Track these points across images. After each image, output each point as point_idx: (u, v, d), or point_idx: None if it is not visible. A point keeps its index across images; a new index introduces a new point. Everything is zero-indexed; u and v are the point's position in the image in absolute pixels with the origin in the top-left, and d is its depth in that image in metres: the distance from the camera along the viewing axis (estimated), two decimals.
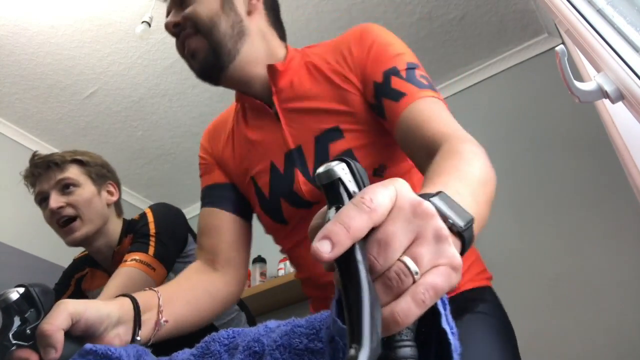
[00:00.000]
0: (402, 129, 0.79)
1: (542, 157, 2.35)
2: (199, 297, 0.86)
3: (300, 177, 0.89)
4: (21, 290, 0.59)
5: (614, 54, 0.86)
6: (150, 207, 1.45)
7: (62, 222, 1.39)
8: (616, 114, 1.00)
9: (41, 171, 1.41)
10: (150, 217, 1.37)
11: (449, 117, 0.77)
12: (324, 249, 0.32)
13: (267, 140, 0.95)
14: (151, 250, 1.26)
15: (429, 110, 0.77)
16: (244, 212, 1.00)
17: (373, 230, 0.34)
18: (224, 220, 0.97)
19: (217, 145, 1.04)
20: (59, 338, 0.57)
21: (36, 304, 0.59)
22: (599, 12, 0.95)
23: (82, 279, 1.54)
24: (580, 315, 1.97)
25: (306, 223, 0.91)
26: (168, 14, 0.95)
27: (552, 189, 2.27)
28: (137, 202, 3.46)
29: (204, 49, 0.90)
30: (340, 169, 0.35)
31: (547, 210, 2.23)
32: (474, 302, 0.85)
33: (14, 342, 0.56)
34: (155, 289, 0.79)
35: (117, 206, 1.54)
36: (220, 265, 0.94)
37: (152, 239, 1.29)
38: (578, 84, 0.92)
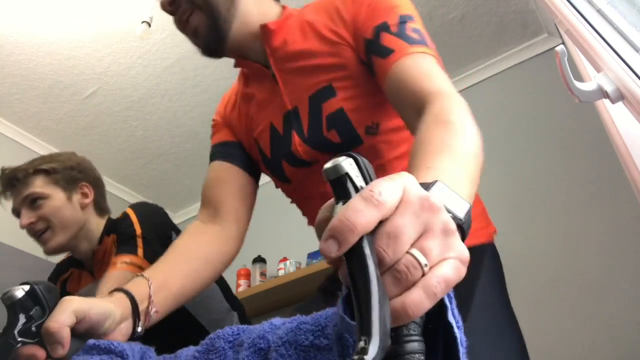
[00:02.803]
0: (390, 86, 0.78)
1: (542, 157, 2.36)
2: (196, 267, 0.87)
3: (296, 138, 0.90)
4: (26, 287, 0.59)
5: (614, 54, 0.86)
6: (132, 207, 1.41)
7: (37, 235, 1.41)
8: (616, 114, 1.01)
9: (7, 189, 1.42)
10: (133, 218, 1.34)
11: (436, 73, 0.75)
12: (330, 249, 0.32)
13: (267, 101, 0.96)
14: (140, 251, 1.25)
15: (416, 66, 0.76)
16: (251, 169, 1.01)
17: (381, 223, 0.34)
18: (232, 173, 0.99)
19: (227, 109, 1.07)
20: (65, 334, 0.57)
21: (41, 301, 0.59)
22: (599, 12, 0.95)
23: (66, 280, 1.53)
24: (580, 315, 1.97)
25: (308, 181, 0.93)
26: None
27: (552, 189, 2.27)
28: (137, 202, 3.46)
29: (204, 24, 0.90)
30: (348, 164, 0.36)
31: (547, 210, 2.24)
32: (472, 261, 0.84)
33: (20, 339, 0.56)
34: (146, 275, 0.78)
35: (97, 205, 1.50)
36: (222, 217, 0.95)
37: (139, 240, 1.28)
38: (578, 84, 0.92)
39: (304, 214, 1.03)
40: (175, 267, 0.84)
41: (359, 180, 0.36)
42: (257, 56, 0.96)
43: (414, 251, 0.34)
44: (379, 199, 0.34)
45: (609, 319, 1.91)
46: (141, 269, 1.20)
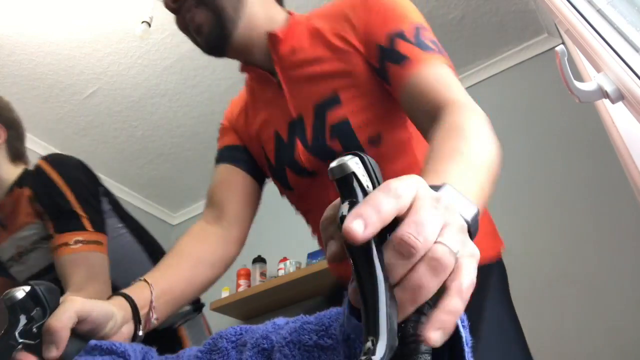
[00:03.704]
0: (407, 95, 0.77)
1: (542, 157, 2.36)
2: (199, 271, 0.88)
3: (300, 147, 0.90)
4: (27, 288, 0.59)
5: (614, 54, 0.86)
6: (48, 162, 1.22)
7: None
8: (616, 114, 1.01)
9: None
10: (58, 181, 1.19)
11: (453, 82, 0.74)
12: (357, 227, 0.32)
13: (273, 108, 0.95)
14: (87, 224, 1.15)
15: (434, 75, 0.75)
16: (256, 174, 1.02)
17: (398, 220, 0.34)
18: (237, 177, 1.00)
19: (234, 114, 1.07)
20: (62, 336, 0.57)
21: (42, 302, 0.59)
22: (599, 12, 0.95)
23: None
24: (580, 315, 1.97)
25: (311, 191, 0.93)
26: None
27: (552, 189, 2.27)
28: (137, 202, 3.46)
29: (208, 22, 0.88)
30: (354, 163, 0.35)
31: (547, 210, 2.24)
32: (480, 280, 0.84)
33: (20, 340, 0.56)
34: (149, 281, 0.77)
35: (11, 150, 1.34)
36: (226, 220, 0.96)
37: (78, 209, 1.16)
38: (578, 84, 0.92)
39: (308, 223, 1.02)
40: (180, 273, 0.85)
41: (365, 180, 0.35)
42: (261, 61, 0.95)
43: (443, 239, 0.34)
44: (397, 192, 0.34)
45: (609, 319, 1.91)
46: (98, 243, 1.14)
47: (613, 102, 0.87)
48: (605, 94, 0.88)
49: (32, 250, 1.24)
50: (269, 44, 0.92)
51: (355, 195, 0.35)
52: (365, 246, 0.32)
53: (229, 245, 0.95)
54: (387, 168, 0.86)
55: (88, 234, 1.14)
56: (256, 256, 2.82)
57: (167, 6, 0.91)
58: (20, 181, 1.27)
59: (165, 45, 2.48)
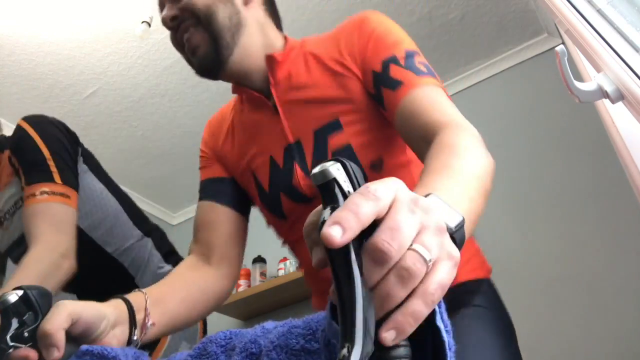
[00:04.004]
0: (400, 118, 0.78)
1: (542, 157, 2.35)
2: (192, 294, 0.87)
3: (299, 172, 0.89)
4: (20, 292, 0.59)
5: (614, 54, 0.85)
6: (26, 120, 1.24)
7: None
8: (616, 114, 1.00)
9: None
10: (35, 137, 1.19)
11: (447, 104, 0.75)
12: (335, 233, 0.32)
13: (266, 133, 0.94)
14: (57, 177, 1.14)
15: (427, 98, 0.76)
16: (241, 207, 1.00)
17: (377, 222, 0.34)
18: (221, 215, 0.98)
19: (218, 139, 1.04)
20: (60, 337, 0.56)
21: (34, 306, 0.59)
22: (599, 12, 0.95)
23: None
24: (580, 316, 1.97)
25: (304, 219, 0.92)
26: (162, 8, 0.93)
27: (552, 189, 2.26)
28: (137, 202, 3.44)
29: (204, 43, 0.88)
30: (335, 169, 0.36)
31: (547, 211, 2.23)
32: (472, 294, 0.84)
33: (11, 344, 0.56)
34: (143, 290, 0.78)
35: None
36: (215, 260, 0.94)
37: (51, 162, 1.15)
38: (578, 84, 0.92)
39: (295, 255, 1.01)
40: (173, 290, 0.84)
41: (346, 185, 0.36)
42: (257, 85, 0.94)
43: (417, 246, 0.34)
44: (375, 194, 0.34)
45: (609, 319, 1.90)
46: (65, 195, 1.13)
47: (613, 102, 0.86)
48: (605, 94, 0.87)
49: (13, 214, 1.22)
50: (267, 66, 0.92)
51: (336, 201, 0.35)
52: (344, 250, 0.32)
53: (220, 280, 0.94)
54: None
55: (55, 185, 1.12)
56: (256, 256, 2.82)
57: (165, 24, 0.91)
58: (1, 147, 1.28)
59: (165, 45, 2.48)
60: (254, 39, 0.92)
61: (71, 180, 1.17)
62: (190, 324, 0.86)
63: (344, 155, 0.84)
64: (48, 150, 1.18)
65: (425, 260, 0.33)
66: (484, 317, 0.80)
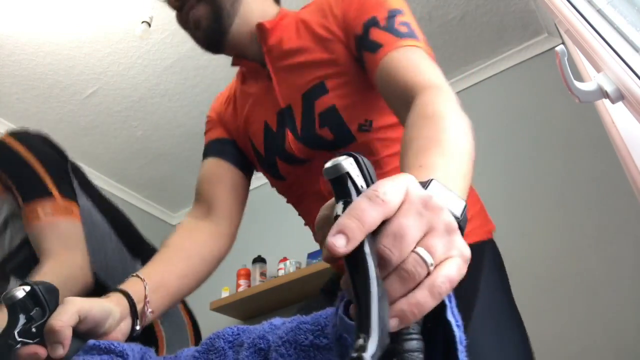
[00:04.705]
0: (380, 80, 0.79)
1: (542, 157, 2.36)
2: (192, 265, 0.88)
3: (289, 136, 0.91)
4: (27, 288, 0.59)
5: (614, 54, 0.86)
6: (13, 137, 1.18)
7: None
8: (616, 114, 1.01)
9: None
10: (25, 154, 1.15)
11: (425, 65, 0.76)
12: (339, 243, 0.32)
13: (262, 100, 0.97)
14: (55, 192, 1.11)
15: (405, 59, 0.77)
16: (244, 167, 1.03)
17: (385, 223, 0.34)
18: (225, 171, 1.00)
19: (222, 106, 1.08)
20: (67, 335, 0.57)
21: (41, 302, 0.59)
22: (599, 12, 0.95)
23: None
24: (580, 315, 1.97)
25: (302, 179, 0.94)
26: None
27: (552, 189, 2.27)
28: (137, 202, 3.46)
29: (207, 16, 0.91)
30: (349, 164, 0.36)
31: (547, 210, 2.24)
32: (472, 258, 0.84)
33: (19, 339, 0.56)
34: (141, 276, 0.78)
35: None
36: (215, 214, 0.96)
37: (47, 179, 1.12)
38: (578, 84, 0.92)
39: (299, 213, 1.03)
40: (172, 266, 0.85)
41: (359, 180, 0.36)
42: (254, 55, 0.97)
43: (419, 250, 0.34)
44: (384, 199, 0.34)
45: (609, 318, 1.91)
46: (70, 211, 1.11)
47: (613, 102, 0.87)
48: (605, 94, 0.88)
49: (3, 231, 1.20)
50: (258, 35, 0.94)
51: (349, 195, 0.35)
52: (358, 246, 0.33)
53: (219, 240, 0.95)
54: (383, 152, 0.87)
55: (55, 202, 1.10)
56: (256, 256, 2.82)
57: (171, 3, 0.93)
58: None
59: (165, 45, 2.48)
60: (252, 8, 0.95)
61: (70, 193, 1.16)
62: (191, 292, 0.88)
63: (329, 116, 0.86)
64: (40, 164, 1.15)
65: (426, 263, 0.34)
66: (486, 280, 0.80)
